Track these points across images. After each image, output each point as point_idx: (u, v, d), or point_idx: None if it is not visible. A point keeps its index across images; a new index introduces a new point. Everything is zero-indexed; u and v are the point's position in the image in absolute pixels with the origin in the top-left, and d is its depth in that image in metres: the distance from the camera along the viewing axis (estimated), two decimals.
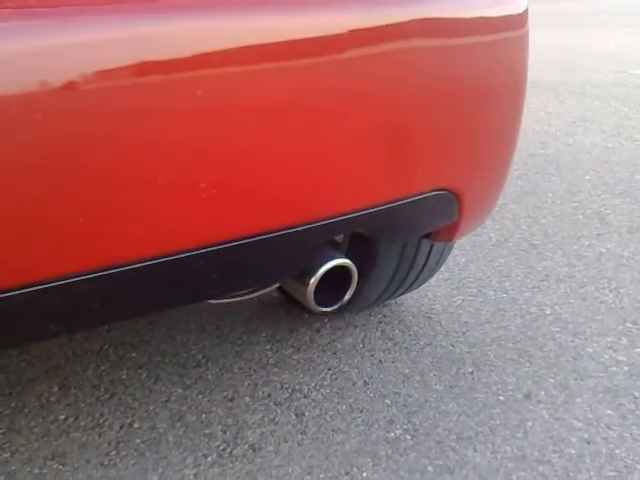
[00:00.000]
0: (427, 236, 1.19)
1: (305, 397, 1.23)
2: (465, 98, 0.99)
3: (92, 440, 1.14)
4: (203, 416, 1.19)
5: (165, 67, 0.72)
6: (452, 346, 1.39)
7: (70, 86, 0.67)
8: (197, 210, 0.79)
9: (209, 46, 0.74)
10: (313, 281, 1.07)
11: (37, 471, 1.07)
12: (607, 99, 3.90)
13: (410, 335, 1.44)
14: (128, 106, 0.71)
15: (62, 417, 1.20)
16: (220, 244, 0.83)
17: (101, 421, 1.18)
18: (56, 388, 1.28)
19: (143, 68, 0.71)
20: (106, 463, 1.08)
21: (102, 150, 0.71)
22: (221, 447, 1.11)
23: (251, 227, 0.85)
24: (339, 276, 1.14)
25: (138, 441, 1.13)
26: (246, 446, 1.11)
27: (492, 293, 1.61)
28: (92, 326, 0.93)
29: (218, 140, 0.77)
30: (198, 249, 0.82)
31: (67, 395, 1.26)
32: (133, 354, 1.39)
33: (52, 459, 1.10)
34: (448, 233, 1.16)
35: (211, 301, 1.52)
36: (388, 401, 1.22)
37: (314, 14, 0.83)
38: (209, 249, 0.83)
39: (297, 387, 1.26)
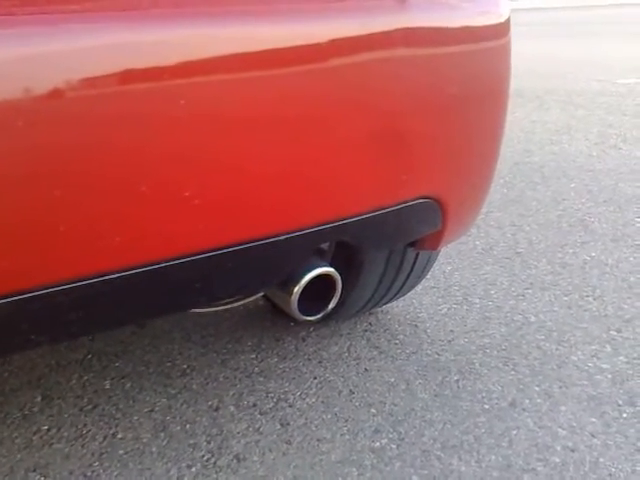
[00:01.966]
0: (412, 244, 1.19)
1: (290, 406, 1.23)
2: (448, 107, 0.99)
3: (75, 451, 1.13)
4: (187, 426, 1.18)
5: (148, 75, 0.72)
6: (437, 354, 1.39)
7: (52, 94, 0.67)
8: (180, 219, 0.79)
9: (192, 54, 0.74)
10: (297, 290, 1.07)
11: None
12: (591, 108, 3.94)
13: (396, 343, 1.44)
14: (111, 114, 0.71)
15: (45, 428, 1.19)
16: (203, 253, 0.83)
17: (84, 432, 1.17)
18: (39, 398, 1.27)
19: (126, 76, 0.71)
20: (89, 474, 1.07)
21: (84, 159, 0.71)
22: (205, 457, 1.10)
23: (235, 236, 0.85)
24: (323, 285, 1.14)
25: (121, 452, 1.12)
26: (230, 456, 1.10)
27: (477, 301, 1.62)
28: (75, 336, 0.92)
29: (202, 149, 0.77)
30: (181, 258, 0.81)
31: (50, 406, 1.25)
32: (117, 364, 1.38)
33: (34, 470, 1.08)
34: (433, 241, 1.16)
35: (196, 310, 1.52)
36: (374, 410, 1.21)
37: (299, 23, 0.83)
38: (192, 258, 0.82)
39: (282, 396, 1.26)
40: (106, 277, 0.77)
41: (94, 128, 0.70)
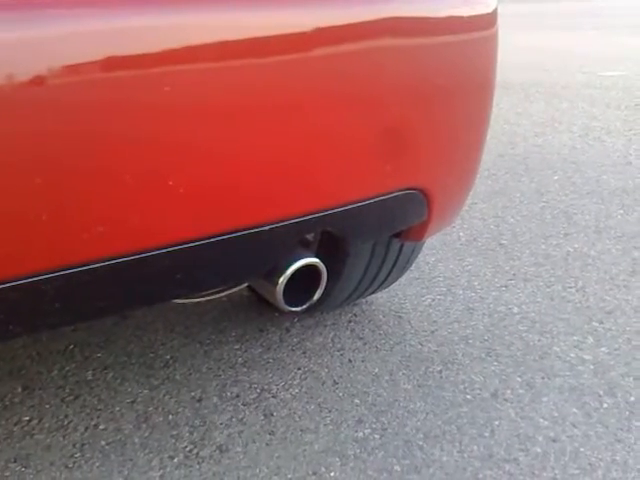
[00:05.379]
0: (397, 235, 1.19)
1: (274, 397, 1.23)
2: (434, 97, 0.99)
3: (56, 442, 1.12)
4: (170, 417, 1.17)
5: (131, 63, 0.71)
6: (421, 345, 1.39)
7: (34, 81, 0.66)
8: (163, 208, 0.78)
9: (177, 42, 0.73)
10: (282, 280, 1.06)
11: None
12: (576, 100, 3.95)
13: (380, 334, 1.44)
14: (94, 102, 0.70)
15: (26, 419, 1.17)
16: (187, 243, 0.82)
17: (66, 423, 1.16)
18: (20, 389, 1.26)
19: (110, 64, 0.70)
20: (70, 465, 1.07)
21: (66, 146, 0.70)
22: (188, 448, 1.10)
23: (219, 226, 0.84)
24: (308, 275, 1.14)
25: (103, 443, 1.11)
26: (213, 447, 1.10)
27: (461, 292, 1.62)
28: (55, 327, 0.91)
29: (186, 138, 0.76)
30: (164, 248, 0.81)
31: (31, 396, 1.24)
32: (99, 354, 1.37)
33: (15, 461, 1.07)
34: (418, 232, 1.16)
35: (179, 300, 1.51)
36: (357, 400, 1.22)
37: (284, 12, 0.82)
38: (176, 248, 0.81)
39: (266, 387, 1.26)
40: (88, 267, 0.76)
41: (76, 116, 0.69)
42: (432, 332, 1.44)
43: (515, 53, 5.96)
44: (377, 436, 1.12)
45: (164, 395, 1.24)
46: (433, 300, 1.58)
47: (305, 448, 1.10)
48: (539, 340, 1.40)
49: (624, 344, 1.38)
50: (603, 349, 1.37)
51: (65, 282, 0.76)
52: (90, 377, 1.29)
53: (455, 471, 1.04)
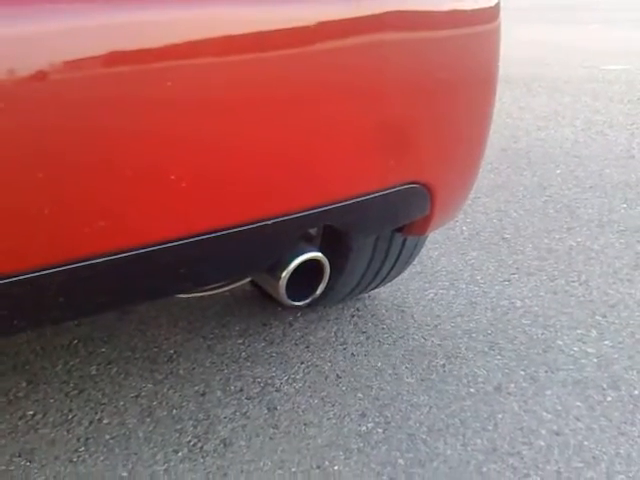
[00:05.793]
0: (400, 229, 1.19)
1: (277, 391, 1.23)
2: (437, 91, 0.99)
3: (61, 436, 1.12)
4: (174, 411, 1.18)
5: (133, 57, 0.71)
6: (424, 339, 1.39)
7: (36, 76, 0.66)
8: (166, 203, 0.78)
9: (179, 36, 0.73)
10: (285, 275, 1.06)
11: (4, 468, 1.05)
12: (578, 94, 3.94)
13: (383, 328, 1.44)
14: (95, 96, 0.69)
15: (30, 413, 1.18)
16: (190, 237, 0.82)
17: (70, 417, 1.17)
18: (24, 384, 1.26)
19: (111, 58, 0.69)
20: (75, 459, 1.07)
21: (68, 141, 0.70)
22: (192, 442, 1.10)
23: (222, 220, 0.84)
24: (311, 270, 1.14)
25: (107, 437, 1.12)
26: (217, 441, 1.10)
27: (464, 286, 1.62)
28: (59, 321, 0.91)
29: (188, 132, 0.76)
30: (167, 242, 0.81)
31: (36, 391, 1.24)
32: (103, 349, 1.37)
33: (19, 456, 1.08)
34: (421, 226, 1.16)
35: (182, 295, 1.51)
36: (360, 394, 1.22)
37: (287, 5, 0.82)
38: (179, 242, 0.81)
39: (269, 381, 1.26)
40: (91, 262, 0.76)
41: (77, 110, 0.69)
42: (435, 326, 1.44)
43: (517, 47, 5.94)
44: (380, 430, 1.12)
45: (168, 389, 1.24)
46: (436, 294, 1.58)
47: (309, 442, 1.10)
48: (542, 334, 1.40)
49: (627, 337, 1.38)
50: (606, 342, 1.37)
51: (68, 277, 0.76)
52: (94, 372, 1.30)
53: (459, 465, 1.04)
